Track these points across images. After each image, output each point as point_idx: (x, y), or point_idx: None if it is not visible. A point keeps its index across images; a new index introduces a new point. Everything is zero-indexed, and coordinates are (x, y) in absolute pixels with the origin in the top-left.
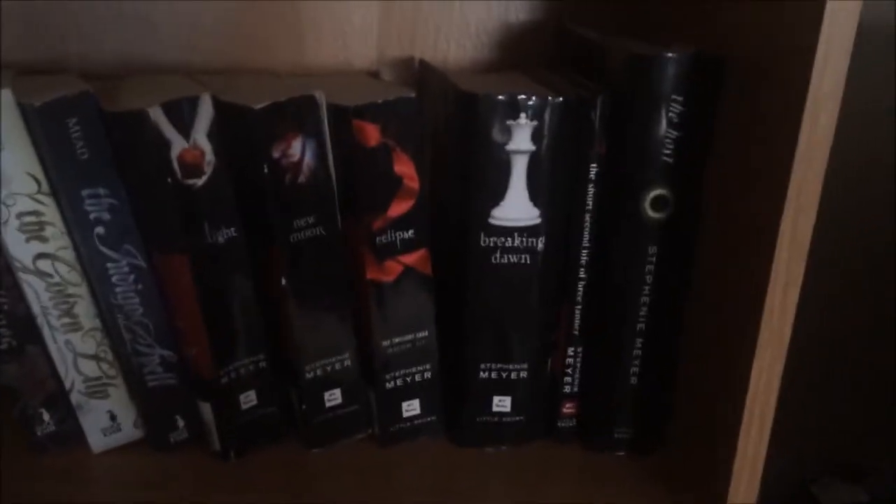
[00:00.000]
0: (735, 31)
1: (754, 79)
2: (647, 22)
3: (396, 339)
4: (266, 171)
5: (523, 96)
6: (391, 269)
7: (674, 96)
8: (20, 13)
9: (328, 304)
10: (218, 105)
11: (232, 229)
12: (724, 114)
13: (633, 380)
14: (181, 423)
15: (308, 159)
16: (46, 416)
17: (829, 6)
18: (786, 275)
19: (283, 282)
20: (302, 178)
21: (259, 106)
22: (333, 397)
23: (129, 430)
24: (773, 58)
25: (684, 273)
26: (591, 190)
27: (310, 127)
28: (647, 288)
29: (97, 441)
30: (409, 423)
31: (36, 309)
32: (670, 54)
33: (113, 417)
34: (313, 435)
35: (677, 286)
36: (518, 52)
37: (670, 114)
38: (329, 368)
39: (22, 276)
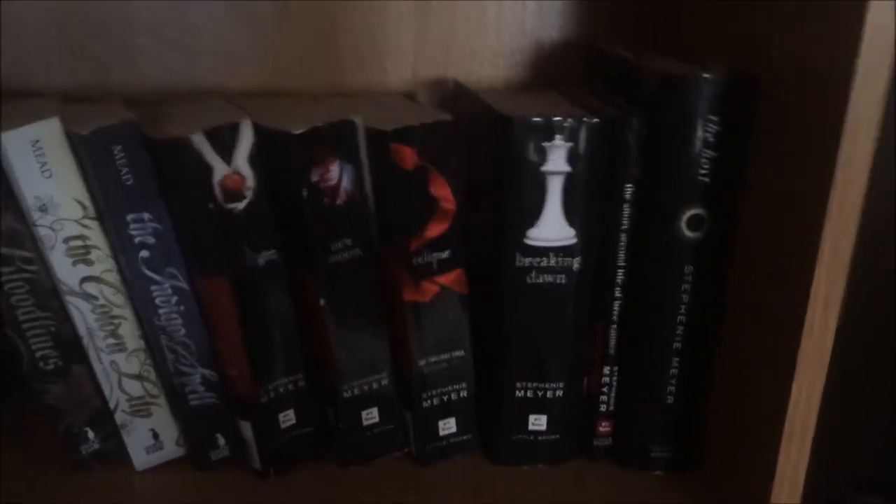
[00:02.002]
0: (771, 49)
1: (791, 98)
2: (680, 41)
3: (433, 359)
4: (305, 194)
5: (558, 118)
6: (427, 290)
7: (709, 116)
8: (65, 42)
9: (365, 325)
10: (258, 131)
11: (272, 251)
12: (761, 132)
13: (670, 399)
14: (222, 441)
15: (346, 183)
16: (91, 435)
17: (868, 25)
18: (826, 289)
19: (322, 302)
20: (340, 201)
21: (298, 131)
22: (371, 416)
23: (172, 448)
24: (810, 77)
25: (721, 292)
26: (626, 210)
27: (348, 151)
28: (683, 307)
29: (140, 459)
30: (445, 442)
31: (82, 330)
32: (706, 75)
33: (156, 436)
34: (351, 453)
35: (714, 305)
36: (552, 72)
37: (706, 133)
38: (366, 387)
39: (68, 298)
